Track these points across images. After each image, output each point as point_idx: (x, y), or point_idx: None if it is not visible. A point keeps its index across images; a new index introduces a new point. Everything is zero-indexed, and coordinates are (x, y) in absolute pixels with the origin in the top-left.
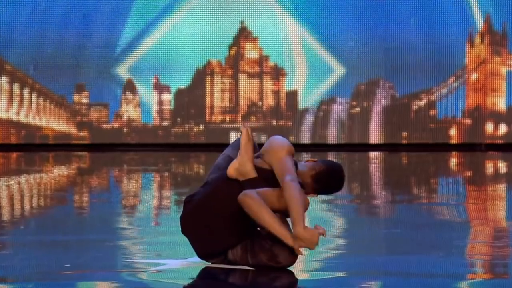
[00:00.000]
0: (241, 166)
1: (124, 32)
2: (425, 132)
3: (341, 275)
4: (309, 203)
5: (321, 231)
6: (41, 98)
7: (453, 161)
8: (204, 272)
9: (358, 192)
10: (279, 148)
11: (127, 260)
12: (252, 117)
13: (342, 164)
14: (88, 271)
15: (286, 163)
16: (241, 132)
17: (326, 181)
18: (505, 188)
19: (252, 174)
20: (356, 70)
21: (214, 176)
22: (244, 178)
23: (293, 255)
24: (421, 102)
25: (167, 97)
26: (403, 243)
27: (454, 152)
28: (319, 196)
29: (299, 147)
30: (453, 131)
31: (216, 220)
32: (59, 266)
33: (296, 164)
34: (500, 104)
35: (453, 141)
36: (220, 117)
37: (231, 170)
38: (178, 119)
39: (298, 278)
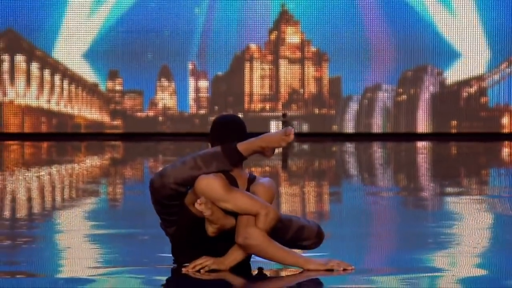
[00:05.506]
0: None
1: (159, 15)
2: (476, 120)
3: (391, 270)
4: (273, 217)
5: (336, 266)
6: (73, 85)
7: (506, 151)
8: (239, 269)
9: (404, 184)
10: (215, 194)
11: (161, 255)
12: (293, 105)
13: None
14: (120, 266)
15: (242, 199)
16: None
17: (218, 134)
18: None
19: (231, 221)
20: (403, 55)
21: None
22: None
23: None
24: (471, 89)
25: (204, 84)
26: (459, 238)
27: (507, 142)
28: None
29: (342, 137)
30: (506, 120)
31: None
32: (90, 261)
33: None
34: None
35: (506, 130)
36: (259, 105)
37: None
38: (216, 107)
39: (337, 275)
